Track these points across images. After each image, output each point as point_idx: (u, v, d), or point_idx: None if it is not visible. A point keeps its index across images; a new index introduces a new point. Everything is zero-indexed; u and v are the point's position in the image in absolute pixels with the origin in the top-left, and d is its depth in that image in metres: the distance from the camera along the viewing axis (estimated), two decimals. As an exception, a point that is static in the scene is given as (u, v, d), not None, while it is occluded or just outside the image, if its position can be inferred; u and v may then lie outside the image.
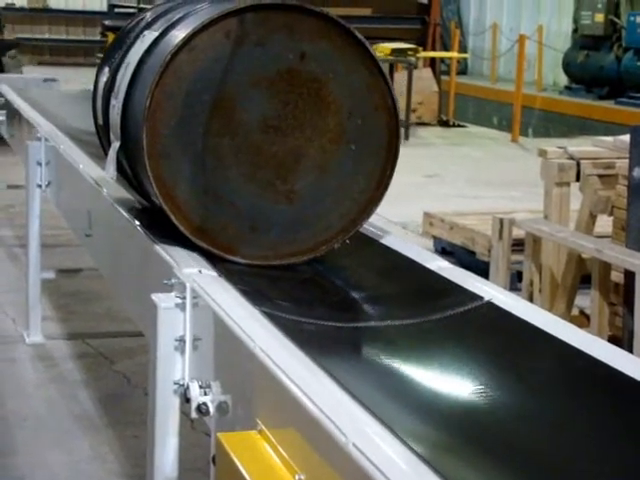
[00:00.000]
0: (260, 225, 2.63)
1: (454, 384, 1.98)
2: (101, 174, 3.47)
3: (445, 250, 6.55)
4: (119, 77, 2.86)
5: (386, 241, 2.85)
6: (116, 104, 2.82)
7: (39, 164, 4.54)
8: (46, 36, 21.83)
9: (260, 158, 2.60)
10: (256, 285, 2.47)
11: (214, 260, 2.55)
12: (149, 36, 2.79)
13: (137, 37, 2.90)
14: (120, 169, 2.91)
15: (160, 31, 2.75)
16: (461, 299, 2.35)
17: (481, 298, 2.34)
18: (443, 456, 1.61)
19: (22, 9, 21.76)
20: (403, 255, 2.72)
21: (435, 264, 2.61)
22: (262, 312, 2.18)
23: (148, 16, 3.13)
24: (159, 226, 2.75)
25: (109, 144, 2.92)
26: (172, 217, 2.56)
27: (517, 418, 1.80)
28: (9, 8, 21.62)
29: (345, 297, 2.55)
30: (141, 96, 2.58)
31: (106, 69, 3.08)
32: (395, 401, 1.85)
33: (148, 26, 2.94)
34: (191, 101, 2.53)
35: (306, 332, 2.16)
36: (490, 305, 2.31)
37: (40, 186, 4.56)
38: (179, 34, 2.57)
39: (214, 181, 2.58)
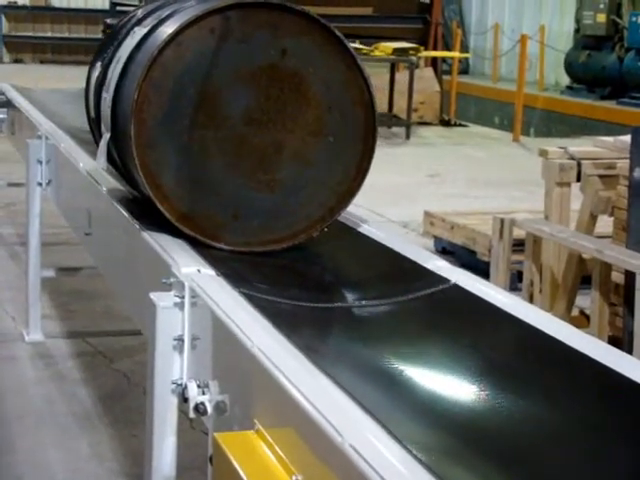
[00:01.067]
0: (243, 213, 2.74)
1: (423, 363, 2.10)
2: (101, 173, 3.47)
3: (446, 250, 6.55)
4: (110, 71, 2.96)
5: (362, 229, 3.00)
6: (107, 97, 2.92)
7: (39, 162, 4.53)
8: (48, 34, 21.83)
9: (243, 149, 2.71)
10: (237, 269, 2.58)
11: (198, 246, 2.65)
12: (139, 32, 2.89)
13: (128, 33, 3.01)
14: (111, 160, 3.02)
15: (149, 27, 2.86)
16: (429, 282, 2.50)
17: (448, 281, 2.49)
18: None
19: (24, 7, 21.76)
20: (378, 242, 2.87)
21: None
22: (242, 293, 2.29)
23: (139, 13, 3.25)
24: (158, 225, 2.76)
25: (101, 136, 3.02)
26: (158, 205, 2.67)
27: (478, 391, 1.92)
28: (11, 6, 21.64)
29: (320, 281, 2.69)
30: (130, 89, 2.69)
31: (98, 64, 3.19)
32: (371, 380, 1.95)
33: (138, 22, 3.06)
34: (177, 94, 2.65)
35: (283, 312, 2.28)
36: (456, 287, 2.46)
37: (40, 184, 4.56)
38: (167, 30, 2.68)
39: (199, 171, 2.70)
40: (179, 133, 2.67)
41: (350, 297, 2.54)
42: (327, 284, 2.68)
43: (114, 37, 3.19)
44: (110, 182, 3.35)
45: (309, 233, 2.79)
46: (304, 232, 2.79)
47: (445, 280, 2.50)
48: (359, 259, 2.90)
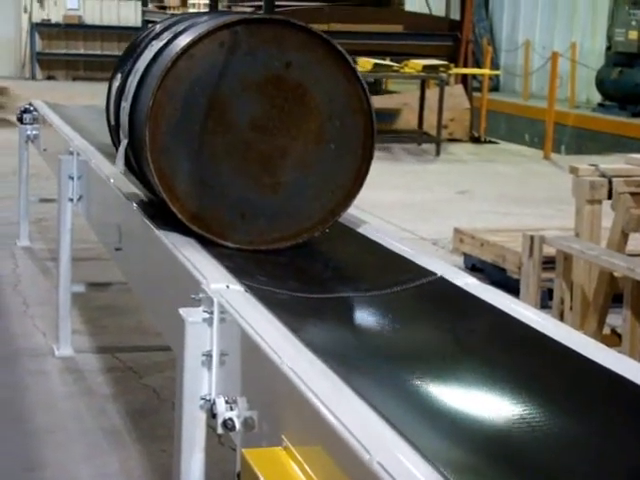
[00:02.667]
0: (249, 214, 2.94)
1: (411, 347, 2.32)
2: (131, 188, 3.50)
3: (475, 267, 6.52)
4: (129, 82, 3.17)
5: (361, 229, 3.21)
6: (125, 106, 3.14)
7: (71, 178, 4.56)
8: (81, 51, 22.00)
9: (249, 154, 2.91)
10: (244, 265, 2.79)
11: (207, 244, 2.85)
12: (156, 45, 3.11)
13: (146, 46, 3.24)
14: (129, 164, 3.24)
15: (165, 41, 3.07)
16: (417, 274, 2.72)
17: (434, 274, 2.70)
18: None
19: (57, 25, 21.94)
20: (372, 240, 3.10)
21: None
22: (245, 285, 2.48)
23: (157, 28, 3.47)
24: (188, 242, 2.78)
25: (120, 142, 3.23)
26: (171, 205, 2.87)
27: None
28: (45, 24, 21.82)
29: (318, 275, 2.87)
30: (146, 98, 2.89)
31: (119, 75, 3.41)
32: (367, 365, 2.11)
33: (156, 37, 3.29)
34: (189, 103, 2.85)
35: (283, 302, 2.46)
36: (442, 279, 2.67)
37: (72, 200, 4.58)
38: (180, 43, 2.89)
39: (208, 174, 2.90)
40: (190, 139, 2.87)
41: (345, 289, 2.69)
42: (325, 278, 2.84)
43: (134, 50, 3.40)
44: (140, 198, 3.37)
45: (311, 233, 2.98)
46: (306, 232, 2.98)
47: (431, 273, 2.71)
48: (355, 255, 3.11)
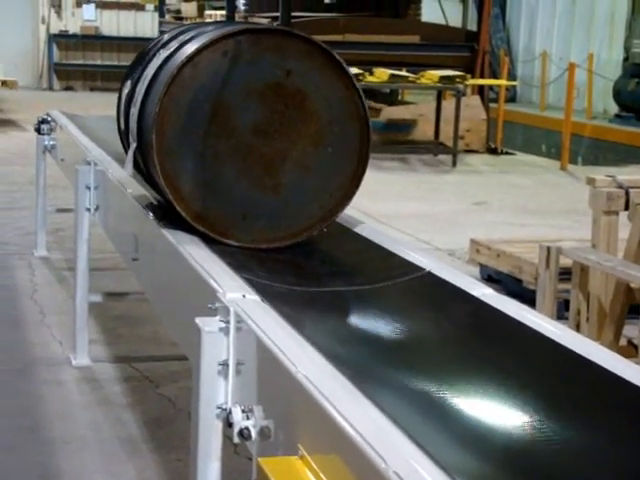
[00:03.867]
0: (250, 213, 3.09)
1: (397, 334, 2.46)
2: (148, 199, 3.51)
3: (491, 278, 6.51)
4: (138, 89, 3.31)
5: (357, 229, 3.39)
6: (134, 111, 3.28)
7: (88, 188, 4.57)
8: (98, 62, 22.09)
9: (251, 157, 3.06)
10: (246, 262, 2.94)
11: (210, 242, 3.00)
12: (163, 54, 3.26)
13: (154, 55, 3.39)
14: (137, 167, 3.40)
15: (172, 50, 3.22)
16: (407, 270, 2.89)
17: (423, 269, 2.87)
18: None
19: (75, 35, 22.05)
20: (367, 238, 3.27)
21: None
22: (245, 279, 2.62)
23: (165, 37, 3.63)
24: (205, 254, 2.79)
25: (129, 146, 3.38)
26: (176, 205, 3.02)
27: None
28: (62, 35, 21.93)
29: (316, 270, 3.06)
30: (153, 104, 3.04)
31: (128, 82, 3.55)
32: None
33: (163, 46, 3.43)
34: (194, 108, 3.00)
35: (280, 294, 2.61)
36: (430, 274, 2.84)
37: (89, 210, 4.60)
38: (185, 52, 3.04)
39: (212, 175, 3.05)
40: (195, 142, 3.02)
41: (340, 283, 2.85)
42: (322, 273, 3.02)
43: (143, 58, 3.56)
44: (156, 207, 3.38)
45: (310, 232, 3.13)
46: (305, 231, 3.13)
47: (420, 269, 2.88)
48: (350, 253, 3.27)
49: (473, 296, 2.64)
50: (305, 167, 3.09)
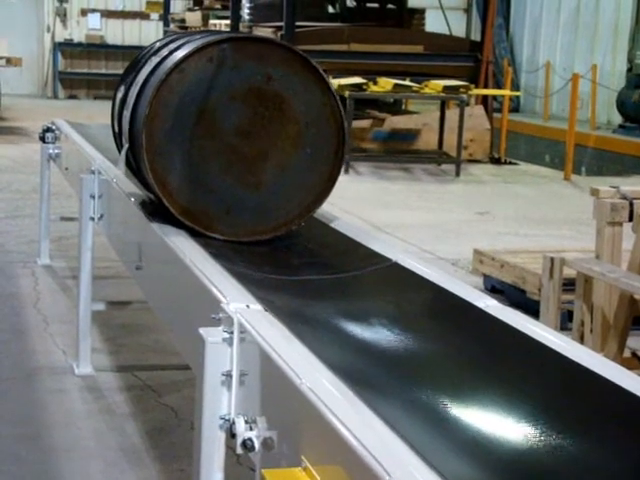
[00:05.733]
0: (234, 209, 3.30)
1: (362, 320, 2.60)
2: (152, 208, 3.51)
3: (495, 288, 6.50)
4: (130, 93, 3.54)
5: (333, 224, 3.62)
6: (127, 114, 3.51)
7: (92, 197, 4.58)
8: (102, 71, 22.14)
9: (234, 156, 3.28)
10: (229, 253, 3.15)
11: (196, 235, 3.21)
12: (154, 60, 3.50)
13: (146, 61, 3.63)
14: (130, 166, 3.64)
15: (162, 56, 3.44)
16: (375, 260, 3.12)
17: (390, 260, 3.09)
18: None
19: (80, 44, 22.10)
20: (341, 232, 3.50)
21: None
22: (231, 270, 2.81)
23: (157, 45, 3.87)
24: (210, 262, 2.79)
25: (122, 147, 3.64)
26: (164, 200, 3.24)
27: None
28: (67, 43, 21.99)
29: (291, 260, 3.25)
30: (143, 107, 3.28)
31: (122, 87, 3.79)
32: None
33: (155, 53, 3.66)
34: (181, 110, 3.22)
35: (261, 281, 2.82)
36: (396, 265, 3.06)
37: (93, 219, 4.60)
38: (173, 59, 3.27)
39: (198, 173, 3.26)
40: (182, 142, 3.24)
41: (313, 272, 3.07)
42: (297, 264, 3.20)
43: (136, 64, 3.79)
44: (162, 217, 3.38)
45: (289, 226, 3.35)
46: (285, 225, 3.35)
47: (388, 259, 3.09)
48: (323, 245, 3.48)
49: (472, 304, 2.69)
50: (284, 166, 3.31)
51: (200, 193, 3.27)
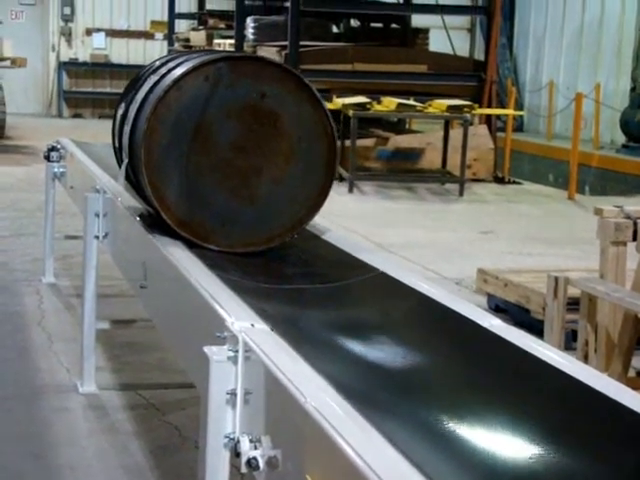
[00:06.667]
0: (229, 221, 3.43)
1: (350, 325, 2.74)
2: (157, 227, 3.52)
3: (499, 307, 6.50)
4: (130, 110, 3.65)
5: (324, 236, 3.75)
6: (127, 130, 3.62)
7: (97, 216, 4.58)
8: (107, 90, 22.20)
9: (230, 170, 3.40)
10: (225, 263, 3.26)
11: (193, 246, 3.33)
12: (153, 79, 3.61)
13: (145, 80, 3.74)
14: (129, 180, 3.78)
15: (161, 75, 3.55)
16: (363, 270, 3.24)
17: (377, 270, 3.22)
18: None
19: (85, 63, 22.17)
20: (331, 244, 3.63)
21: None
22: (226, 279, 2.92)
23: (156, 64, 3.98)
24: (216, 282, 2.80)
25: (122, 161, 3.77)
26: (162, 213, 3.37)
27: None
28: (72, 62, 22.06)
29: (283, 270, 3.36)
30: (142, 123, 3.38)
31: (122, 104, 3.91)
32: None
33: (154, 71, 3.78)
34: (178, 127, 3.35)
35: (254, 290, 2.92)
36: (383, 274, 3.19)
37: (97, 237, 4.60)
38: (171, 77, 3.39)
39: (194, 187, 3.39)
40: (179, 157, 3.35)
41: (303, 282, 3.18)
42: (289, 274, 3.31)
43: (136, 82, 3.90)
44: (166, 237, 3.39)
45: (282, 238, 3.48)
46: (278, 237, 3.48)
47: (375, 269, 3.22)
48: (315, 256, 3.58)
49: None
50: (278, 180, 3.43)
51: (197, 206, 3.38)
